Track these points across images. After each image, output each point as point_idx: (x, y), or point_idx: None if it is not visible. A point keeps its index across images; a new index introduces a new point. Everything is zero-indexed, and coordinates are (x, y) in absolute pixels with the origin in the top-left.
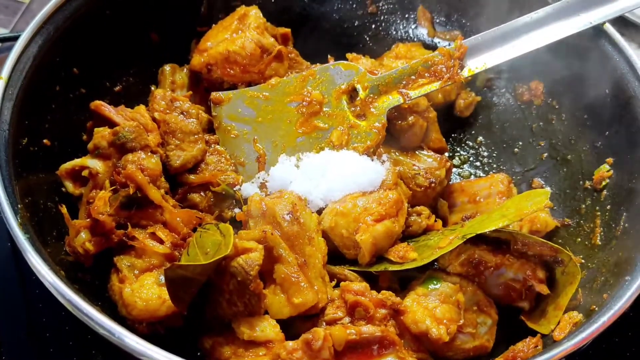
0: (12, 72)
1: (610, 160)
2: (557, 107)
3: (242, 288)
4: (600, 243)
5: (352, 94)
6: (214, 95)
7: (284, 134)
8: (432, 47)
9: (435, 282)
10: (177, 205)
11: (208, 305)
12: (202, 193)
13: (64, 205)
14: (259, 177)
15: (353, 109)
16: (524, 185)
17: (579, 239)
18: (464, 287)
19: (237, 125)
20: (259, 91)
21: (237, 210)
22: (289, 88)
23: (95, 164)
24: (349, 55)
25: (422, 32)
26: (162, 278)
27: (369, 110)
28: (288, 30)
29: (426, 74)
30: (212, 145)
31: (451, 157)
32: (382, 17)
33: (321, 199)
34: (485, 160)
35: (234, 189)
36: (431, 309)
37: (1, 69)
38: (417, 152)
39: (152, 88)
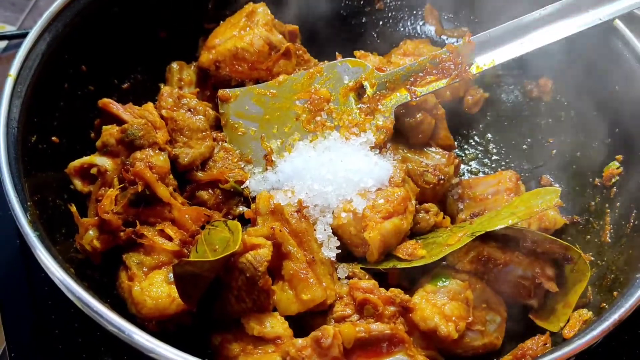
0: (21, 69)
1: (619, 157)
2: (566, 103)
3: (251, 284)
4: (610, 240)
5: (359, 91)
6: (221, 92)
7: (291, 131)
8: (440, 44)
9: (444, 280)
10: (185, 203)
11: (217, 302)
12: (210, 190)
13: (73, 204)
14: (266, 174)
15: (361, 106)
16: (532, 183)
17: (589, 237)
18: (473, 285)
19: (245, 122)
20: (266, 88)
21: (244, 207)
22: (296, 85)
23: (103, 162)
24: (356, 53)
25: (430, 29)
26: (171, 276)
27: (377, 108)
28: (296, 27)
29: (434, 71)
30: (220, 143)
31: (459, 154)
32: (389, 14)
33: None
34: (494, 157)
35: (242, 186)
36: (440, 306)
37: (10, 66)
38: (425, 149)
39: (160, 85)
